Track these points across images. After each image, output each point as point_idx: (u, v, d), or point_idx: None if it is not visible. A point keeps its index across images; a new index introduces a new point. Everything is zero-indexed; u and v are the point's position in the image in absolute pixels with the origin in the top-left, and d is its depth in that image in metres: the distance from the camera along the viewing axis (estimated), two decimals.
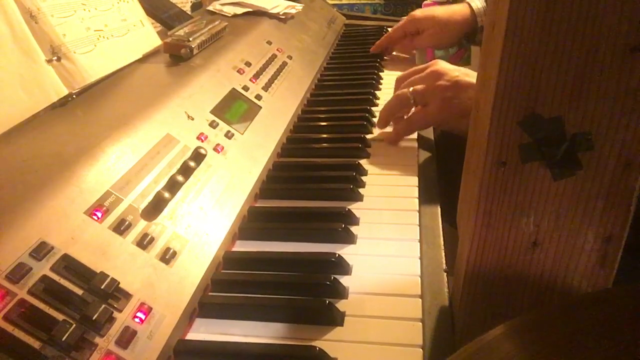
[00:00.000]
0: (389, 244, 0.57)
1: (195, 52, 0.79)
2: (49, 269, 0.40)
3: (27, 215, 0.42)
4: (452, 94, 0.74)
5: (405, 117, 0.82)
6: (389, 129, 0.83)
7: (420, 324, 0.46)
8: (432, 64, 0.79)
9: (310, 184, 0.69)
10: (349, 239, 0.57)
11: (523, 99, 0.37)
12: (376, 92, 0.99)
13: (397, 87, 0.85)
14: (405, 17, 1.16)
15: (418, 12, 1.13)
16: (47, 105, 0.59)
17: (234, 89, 0.77)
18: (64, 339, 0.37)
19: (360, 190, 0.67)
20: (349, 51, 1.24)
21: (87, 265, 0.42)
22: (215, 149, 0.63)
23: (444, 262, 0.55)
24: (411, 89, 0.78)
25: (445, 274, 0.53)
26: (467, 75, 0.74)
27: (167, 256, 0.48)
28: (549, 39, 0.35)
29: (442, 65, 0.78)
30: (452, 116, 0.74)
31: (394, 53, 1.22)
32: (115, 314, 0.41)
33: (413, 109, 0.80)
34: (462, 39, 1.13)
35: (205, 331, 0.47)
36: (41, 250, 0.40)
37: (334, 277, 0.50)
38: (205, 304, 0.49)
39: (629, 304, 0.36)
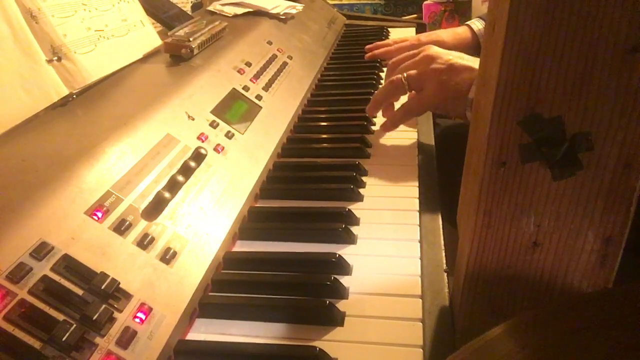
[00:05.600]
0: (389, 244, 0.57)
1: (195, 52, 0.79)
2: (50, 269, 0.40)
3: (28, 215, 0.42)
4: (447, 77, 0.73)
5: (395, 104, 0.82)
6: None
7: (421, 324, 0.46)
8: (425, 49, 0.79)
9: (310, 184, 0.69)
10: (350, 239, 0.57)
11: (523, 99, 0.37)
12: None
13: (389, 73, 0.84)
14: (409, 39, 1.16)
15: (423, 37, 1.13)
16: (48, 105, 0.59)
17: (234, 89, 0.77)
18: (64, 339, 0.37)
19: (361, 190, 0.67)
20: (349, 51, 1.24)
21: (88, 265, 0.42)
22: (215, 149, 0.63)
23: (444, 262, 0.55)
24: (405, 74, 0.77)
25: (445, 274, 0.53)
26: (461, 58, 0.74)
27: (168, 256, 0.48)
28: (549, 39, 0.35)
29: (435, 49, 0.77)
30: (448, 99, 0.74)
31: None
32: (116, 314, 0.41)
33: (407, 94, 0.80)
34: None
35: (206, 331, 0.47)
36: (41, 250, 0.40)
37: (334, 277, 0.50)
38: (206, 304, 0.49)
39: (629, 303, 0.36)
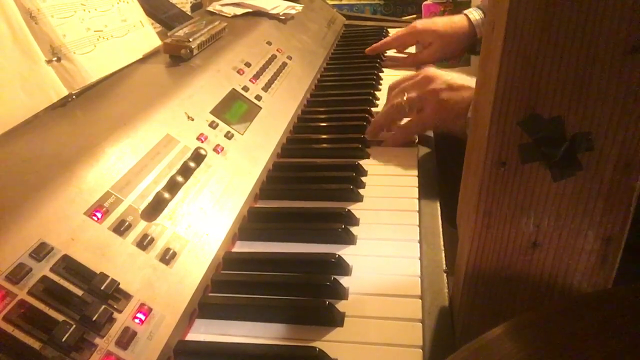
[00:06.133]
0: (389, 245, 0.57)
1: (195, 53, 0.79)
2: (49, 269, 0.40)
3: (27, 216, 0.42)
4: (446, 96, 0.75)
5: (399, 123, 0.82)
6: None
7: (420, 324, 0.46)
8: (424, 71, 0.80)
9: (310, 184, 0.69)
10: (349, 239, 0.57)
11: (523, 99, 0.37)
12: (376, 92, 0.99)
13: (389, 95, 0.85)
14: (405, 28, 1.17)
15: (419, 24, 1.14)
16: (47, 106, 0.59)
17: (233, 89, 0.77)
18: (64, 339, 0.37)
19: (360, 190, 0.67)
20: (348, 51, 1.24)
21: (87, 265, 0.42)
22: (215, 150, 0.63)
23: (444, 262, 0.55)
24: (405, 96, 0.78)
25: (445, 274, 0.53)
26: (460, 77, 0.76)
27: (167, 257, 0.48)
28: (549, 39, 0.35)
29: (433, 70, 0.79)
30: (448, 118, 0.75)
31: (393, 52, 1.22)
32: (115, 314, 0.41)
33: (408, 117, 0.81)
34: (464, 52, 1.14)
35: (205, 332, 0.47)
36: (41, 251, 0.40)
37: (334, 278, 0.50)
38: (205, 305, 0.49)
39: (629, 303, 0.36)
